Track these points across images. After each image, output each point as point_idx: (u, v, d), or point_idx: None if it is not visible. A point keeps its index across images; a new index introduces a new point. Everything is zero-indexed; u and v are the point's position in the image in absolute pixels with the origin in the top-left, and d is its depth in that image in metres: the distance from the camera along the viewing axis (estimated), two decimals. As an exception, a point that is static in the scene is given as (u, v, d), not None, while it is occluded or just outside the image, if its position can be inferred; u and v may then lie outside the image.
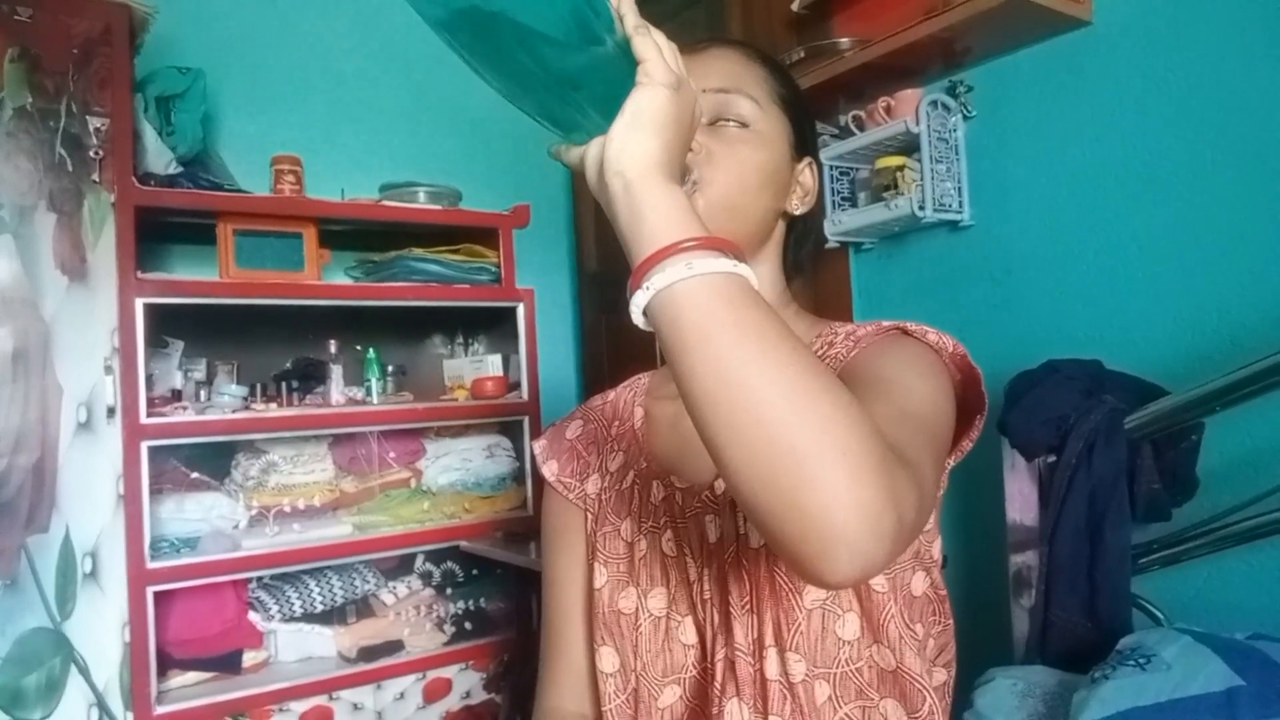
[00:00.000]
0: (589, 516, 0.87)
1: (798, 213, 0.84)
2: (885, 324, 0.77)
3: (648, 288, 0.51)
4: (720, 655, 0.73)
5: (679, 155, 0.58)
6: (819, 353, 0.79)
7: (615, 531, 0.83)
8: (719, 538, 0.75)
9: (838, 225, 1.86)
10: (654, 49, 0.55)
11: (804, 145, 0.84)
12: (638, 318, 0.52)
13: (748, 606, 0.72)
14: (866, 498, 0.46)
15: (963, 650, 0.81)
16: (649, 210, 0.53)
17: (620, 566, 0.81)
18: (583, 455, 0.91)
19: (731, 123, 0.77)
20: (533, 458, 0.97)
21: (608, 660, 0.80)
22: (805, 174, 0.84)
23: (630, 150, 0.54)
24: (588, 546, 0.86)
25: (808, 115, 0.85)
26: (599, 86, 0.55)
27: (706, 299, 0.50)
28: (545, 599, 0.89)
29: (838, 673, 0.70)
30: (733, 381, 0.48)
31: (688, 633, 0.77)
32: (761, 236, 0.81)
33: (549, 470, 0.92)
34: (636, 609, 0.79)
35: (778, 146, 0.80)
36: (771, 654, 0.70)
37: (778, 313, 0.52)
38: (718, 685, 0.73)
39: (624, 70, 0.55)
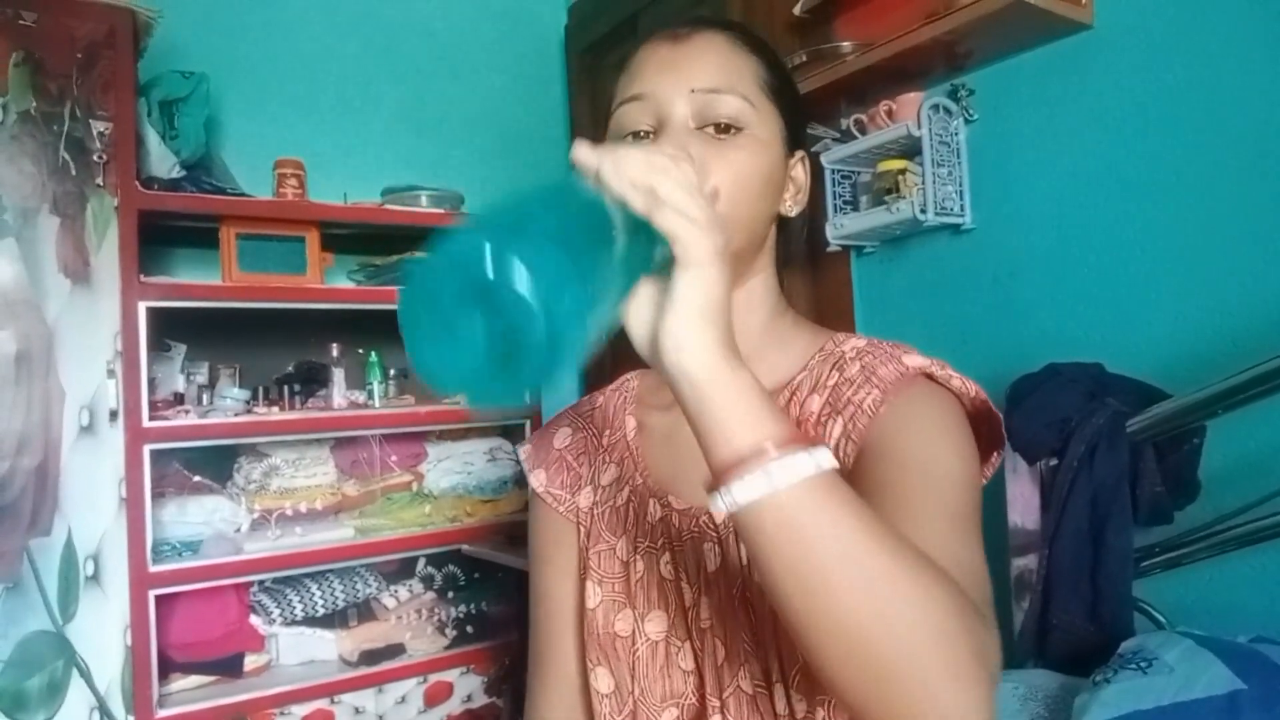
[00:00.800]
0: (581, 530, 0.83)
1: (792, 214, 0.78)
2: (907, 364, 0.70)
3: (727, 497, 0.49)
4: (728, 689, 0.70)
5: (732, 324, 0.53)
6: (825, 374, 0.74)
7: (610, 550, 0.79)
8: (719, 566, 0.71)
9: (839, 229, 1.86)
10: (680, 220, 0.49)
11: (796, 138, 0.78)
12: (717, 515, 0.50)
13: (755, 641, 0.68)
14: (963, 699, 0.46)
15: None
16: (719, 411, 0.50)
17: (615, 586, 0.78)
18: (573, 466, 0.86)
19: (724, 126, 0.70)
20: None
21: (604, 681, 0.77)
22: (798, 169, 0.79)
23: (689, 347, 0.50)
24: (579, 562, 0.82)
25: (798, 104, 0.80)
26: (623, 275, 0.49)
27: (788, 513, 0.48)
28: (534, 611, 0.86)
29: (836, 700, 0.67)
30: (818, 596, 0.47)
31: (687, 659, 0.74)
32: (756, 246, 0.75)
33: (537, 480, 0.87)
34: (633, 632, 0.76)
35: (773, 147, 0.74)
36: (779, 689, 0.68)
37: (850, 502, 0.48)
38: (719, 717, 0.70)
39: (644, 246, 0.50)
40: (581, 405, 0.92)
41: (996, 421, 0.73)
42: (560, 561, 0.84)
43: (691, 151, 0.65)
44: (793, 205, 0.78)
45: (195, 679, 1.80)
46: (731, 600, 0.70)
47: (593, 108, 2.68)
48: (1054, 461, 1.31)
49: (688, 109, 0.70)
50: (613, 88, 0.77)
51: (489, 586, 2.15)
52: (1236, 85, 1.35)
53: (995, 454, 0.77)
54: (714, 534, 0.72)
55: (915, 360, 0.71)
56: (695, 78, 0.70)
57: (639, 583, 0.77)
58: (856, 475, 0.65)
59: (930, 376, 0.70)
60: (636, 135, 0.72)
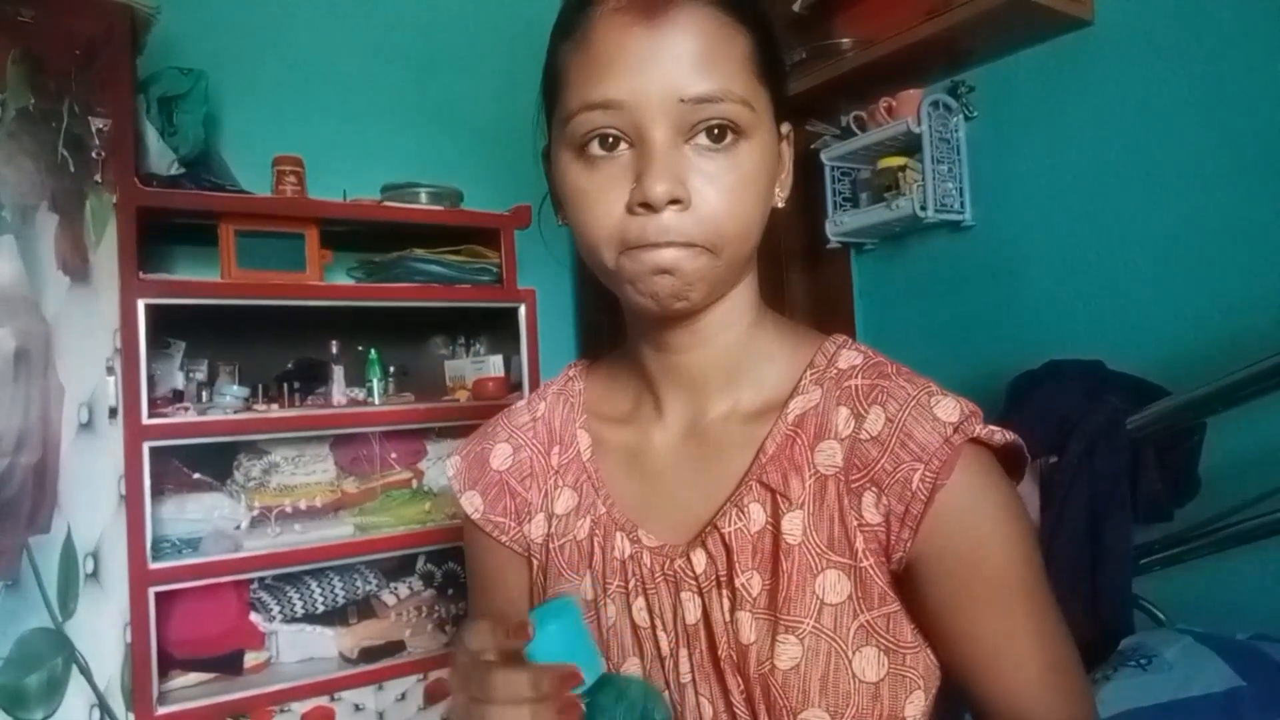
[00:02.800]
0: (534, 564, 0.75)
1: (781, 204, 0.68)
2: (942, 419, 0.61)
3: None
4: None
5: None
6: (830, 410, 0.65)
7: (574, 589, 0.71)
8: (700, 620, 0.65)
9: (839, 226, 1.86)
10: None
11: (783, 111, 0.67)
12: None
13: (744, 699, 0.63)
14: None
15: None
16: None
17: None
18: (518, 492, 0.76)
19: (719, 135, 0.59)
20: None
21: None
22: (784, 149, 0.68)
23: None
24: (532, 600, 0.75)
25: (783, 67, 0.68)
26: None
27: None
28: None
29: None
30: None
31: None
32: (751, 253, 0.66)
33: (471, 504, 0.76)
34: None
35: (770, 142, 0.63)
36: None
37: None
38: None
39: None
40: (517, 415, 0.80)
41: (1023, 460, 0.67)
42: (513, 591, 0.76)
43: (684, 177, 0.58)
44: (780, 194, 0.68)
45: (195, 676, 1.79)
46: (715, 658, 0.64)
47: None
48: (1054, 459, 1.31)
49: (672, 122, 0.58)
50: (560, 72, 0.64)
51: (489, 584, 2.15)
52: (1237, 82, 1.35)
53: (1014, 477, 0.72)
54: (693, 583, 0.66)
55: (948, 411, 0.62)
56: (682, 81, 0.57)
57: (611, 630, 0.69)
58: (927, 582, 0.62)
59: (978, 441, 0.62)
60: (605, 142, 0.60)
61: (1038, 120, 1.61)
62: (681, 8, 0.58)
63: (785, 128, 0.68)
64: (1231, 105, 1.36)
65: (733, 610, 0.63)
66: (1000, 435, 0.63)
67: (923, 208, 1.67)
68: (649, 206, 0.58)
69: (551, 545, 0.73)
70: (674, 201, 0.58)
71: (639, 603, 0.68)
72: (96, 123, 1.66)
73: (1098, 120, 1.52)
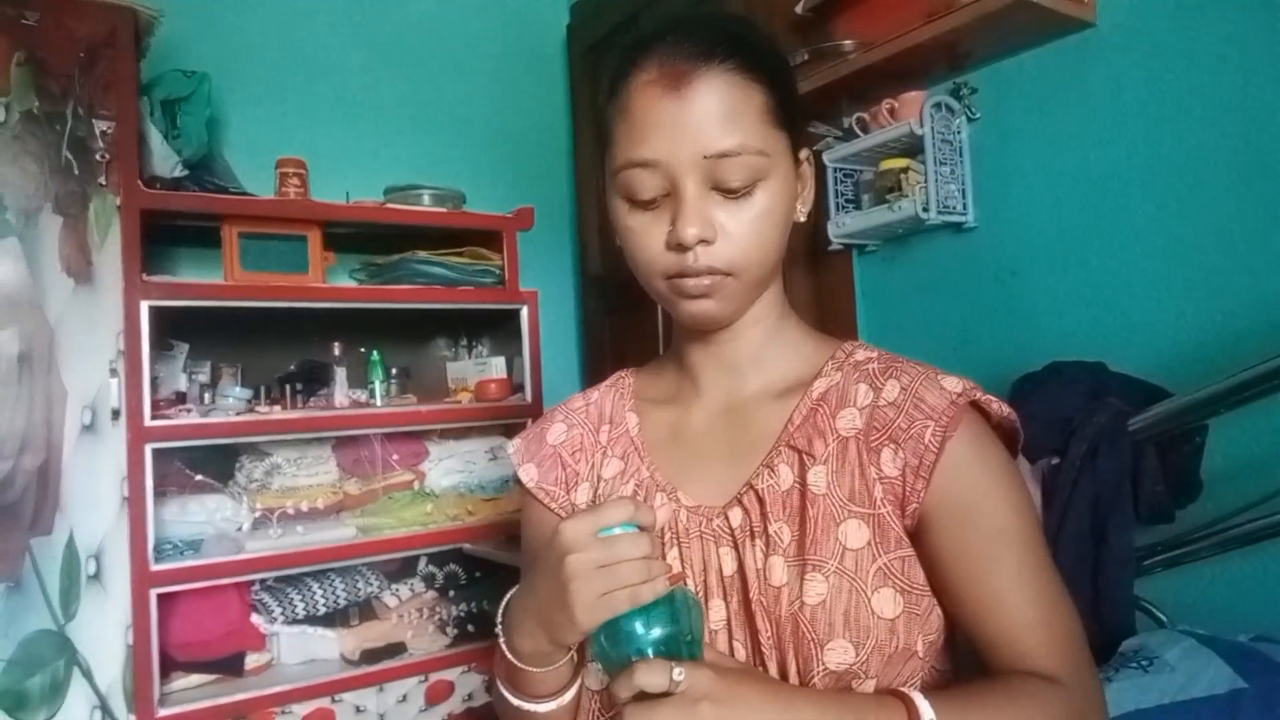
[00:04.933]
0: None
1: (803, 219, 0.79)
2: (947, 387, 0.73)
3: None
4: None
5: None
6: (850, 387, 0.76)
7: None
8: (736, 571, 0.74)
9: (841, 228, 1.86)
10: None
11: (800, 140, 0.77)
12: None
13: (772, 643, 0.71)
14: None
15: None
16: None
17: None
18: (568, 463, 0.86)
19: (739, 185, 0.70)
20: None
21: (594, 678, 0.77)
22: (805, 170, 0.79)
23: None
24: None
25: (801, 105, 0.78)
26: None
27: None
28: None
29: None
30: None
31: None
32: (775, 268, 0.77)
33: (527, 475, 0.87)
34: None
35: (787, 177, 0.74)
36: None
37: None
38: None
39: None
40: (573, 402, 0.92)
41: (1018, 435, 0.78)
42: None
43: (711, 218, 0.70)
44: (802, 210, 0.79)
45: (197, 678, 1.80)
46: (748, 604, 0.72)
47: (594, 107, 2.68)
48: (1056, 460, 1.30)
49: (700, 175, 0.70)
50: (609, 128, 0.75)
51: (490, 585, 2.15)
52: (1238, 84, 1.35)
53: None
54: (729, 538, 0.75)
55: (953, 383, 0.73)
56: (705, 141, 0.69)
57: None
58: (938, 530, 0.71)
59: (975, 404, 0.74)
60: (648, 204, 0.72)
61: (1040, 122, 1.61)
62: (702, 76, 0.69)
63: (805, 153, 0.78)
64: (1233, 107, 1.35)
65: (766, 556, 0.72)
66: (998, 405, 0.74)
67: (925, 209, 1.67)
68: (682, 246, 0.70)
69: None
70: (703, 241, 0.70)
71: (672, 553, 0.77)
72: (100, 125, 1.67)
73: (1100, 122, 1.52)
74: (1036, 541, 0.72)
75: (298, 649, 1.93)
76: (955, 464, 0.70)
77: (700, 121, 0.69)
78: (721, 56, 0.70)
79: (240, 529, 1.89)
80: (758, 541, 0.73)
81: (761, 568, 0.72)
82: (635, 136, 0.71)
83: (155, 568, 1.67)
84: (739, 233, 0.71)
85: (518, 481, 0.89)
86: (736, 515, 0.75)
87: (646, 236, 0.73)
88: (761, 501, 0.74)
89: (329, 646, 1.95)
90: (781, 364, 0.81)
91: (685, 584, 0.75)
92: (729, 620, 0.73)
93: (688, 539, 0.76)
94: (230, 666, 1.83)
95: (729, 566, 0.74)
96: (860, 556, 0.70)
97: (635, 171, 0.71)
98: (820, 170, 1.90)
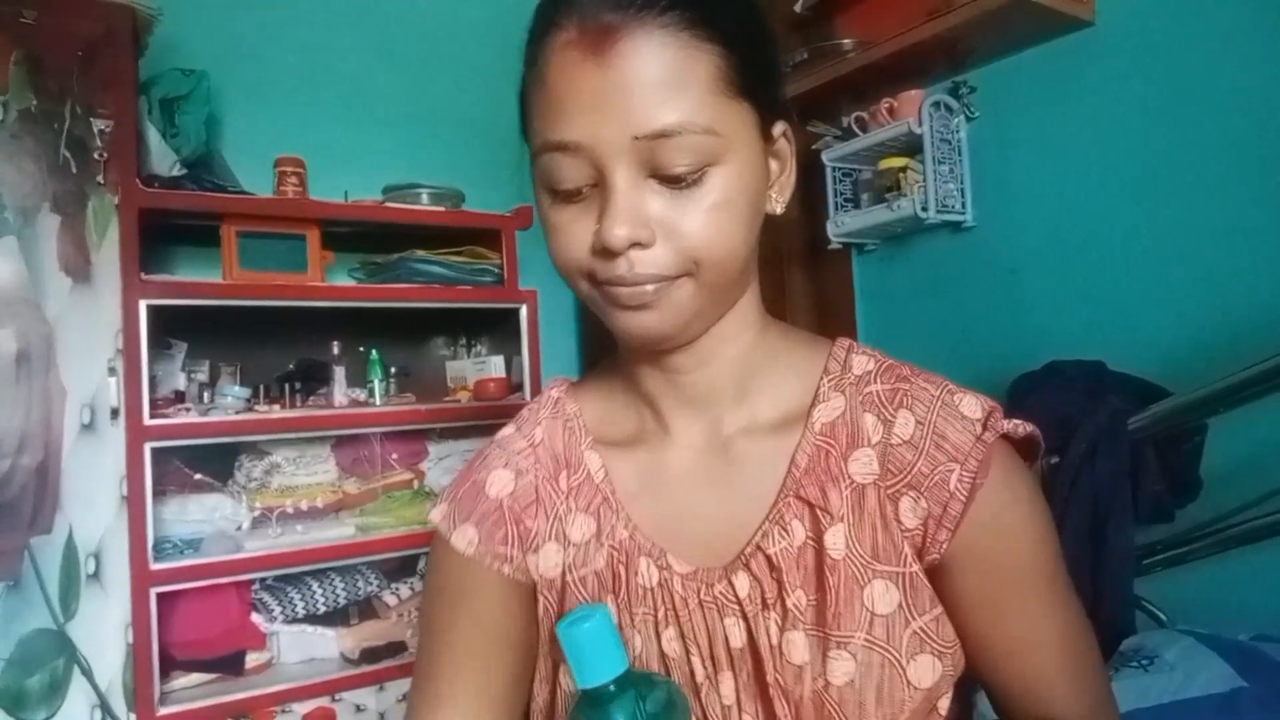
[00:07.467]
0: (545, 598, 0.68)
1: (779, 211, 0.64)
2: (968, 415, 0.63)
3: None
4: None
5: None
6: (858, 418, 0.64)
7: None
8: (745, 645, 0.63)
9: (840, 227, 1.86)
10: None
11: (773, 110, 0.61)
12: None
13: None
14: None
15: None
16: None
17: None
18: (522, 519, 0.69)
19: (683, 171, 0.55)
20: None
21: None
22: (780, 147, 0.64)
23: None
24: (545, 636, 0.68)
25: (772, 64, 0.62)
26: None
27: None
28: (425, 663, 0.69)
29: None
30: None
31: None
32: (744, 266, 0.62)
33: (463, 540, 0.69)
34: None
35: (749, 157, 0.59)
36: None
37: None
38: None
39: None
40: (512, 443, 0.74)
41: (1039, 448, 0.67)
42: (519, 624, 0.69)
43: (647, 216, 0.56)
44: (778, 200, 0.64)
45: (196, 677, 1.80)
46: (760, 678, 0.62)
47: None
48: (1055, 459, 1.31)
49: (633, 160, 0.55)
50: (524, 86, 0.61)
51: (490, 584, 2.15)
52: (1237, 83, 1.35)
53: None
54: (735, 607, 0.63)
55: (972, 407, 0.63)
56: (636, 118, 0.54)
57: (637, 660, 0.65)
58: (959, 576, 0.62)
59: (1006, 437, 0.64)
60: (570, 195, 0.58)
61: (1039, 121, 1.61)
62: (632, 34, 0.53)
63: (779, 128, 0.63)
64: (1232, 105, 1.36)
65: (782, 631, 0.61)
66: (1022, 428, 0.64)
67: (924, 208, 1.67)
68: (609, 251, 0.56)
69: (570, 577, 0.67)
70: (636, 245, 0.56)
71: (669, 631, 0.64)
72: (98, 124, 1.66)
73: (1099, 120, 1.52)
74: (1060, 571, 0.64)
75: (297, 648, 1.93)
76: (987, 511, 0.61)
77: (629, 93, 0.53)
78: (659, 8, 0.54)
79: (239, 528, 1.89)
80: (772, 614, 0.62)
81: (777, 644, 0.61)
82: (552, 113, 0.56)
83: (155, 567, 1.67)
84: (686, 230, 0.56)
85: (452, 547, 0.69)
86: (743, 582, 0.63)
87: (568, 235, 0.59)
88: (774, 567, 0.62)
89: (329, 645, 1.95)
90: (769, 389, 0.67)
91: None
92: (738, 695, 0.63)
93: (686, 610, 0.64)
94: (230, 665, 1.83)
95: (737, 639, 0.63)
96: (891, 623, 0.60)
97: (554, 156, 0.57)
98: (819, 169, 1.90)
